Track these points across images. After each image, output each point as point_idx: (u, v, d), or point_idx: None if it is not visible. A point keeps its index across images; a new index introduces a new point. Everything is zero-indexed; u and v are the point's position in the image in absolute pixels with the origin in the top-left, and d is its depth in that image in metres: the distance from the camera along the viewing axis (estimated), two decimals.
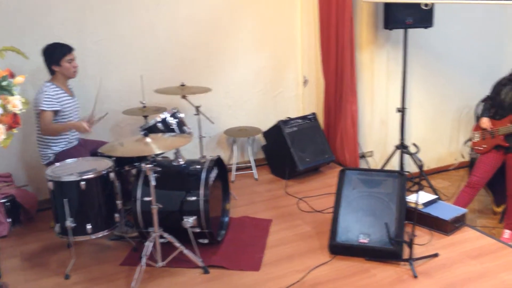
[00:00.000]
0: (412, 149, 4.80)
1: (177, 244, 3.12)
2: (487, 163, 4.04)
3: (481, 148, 4.07)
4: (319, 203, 4.13)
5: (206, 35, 4.73)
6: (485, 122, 4.01)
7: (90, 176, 3.10)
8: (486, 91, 4.28)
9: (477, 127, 4.13)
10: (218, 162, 3.56)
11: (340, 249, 3.26)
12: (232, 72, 4.93)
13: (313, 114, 4.98)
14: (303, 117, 4.91)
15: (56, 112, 3.56)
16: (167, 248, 3.12)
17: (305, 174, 4.76)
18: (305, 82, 5.23)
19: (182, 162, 3.43)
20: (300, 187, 4.53)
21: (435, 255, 3.19)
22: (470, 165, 5.14)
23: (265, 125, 4.90)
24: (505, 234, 4.12)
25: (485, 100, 4.19)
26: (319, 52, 5.02)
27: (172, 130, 3.75)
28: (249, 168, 4.87)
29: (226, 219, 3.72)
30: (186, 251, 3.12)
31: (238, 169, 4.86)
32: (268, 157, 4.98)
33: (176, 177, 3.39)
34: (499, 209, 4.49)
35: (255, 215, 3.95)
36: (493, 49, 5.37)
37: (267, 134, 4.90)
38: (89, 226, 3.12)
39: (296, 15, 5.08)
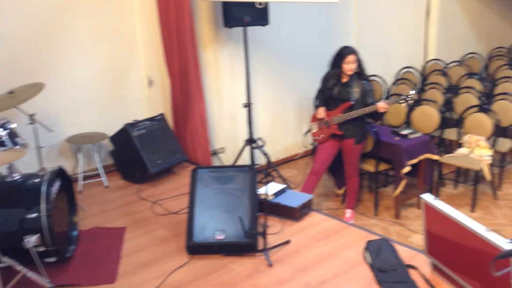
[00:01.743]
0: (260, 143, 4.99)
1: (19, 267, 2.82)
2: (326, 151, 4.36)
3: (319, 138, 4.39)
4: (174, 204, 4.08)
5: (36, 36, 4.34)
6: (321, 112, 4.32)
7: None
8: None
9: (314, 118, 4.43)
10: (60, 173, 3.32)
11: (198, 249, 3.25)
12: (70, 75, 4.60)
13: (161, 115, 4.90)
14: (151, 119, 4.80)
15: None
16: (8, 273, 2.80)
17: (158, 176, 4.66)
18: (150, 82, 5.11)
19: (17, 177, 3.11)
20: (154, 190, 4.43)
21: (287, 242, 3.36)
22: (313, 153, 5.51)
23: (112, 130, 4.68)
24: (347, 214, 4.50)
25: (318, 93, 4.52)
26: (161, 52, 4.94)
27: (2, 143, 3.36)
28: (98, 175, 4.62)
29: (75, 232, 3.48)
30: (30, 273, 2.84)
31: (85, 178, 4.58)
32: (118, 162, 4.78)
33: (12, 194, 3.08)
34: (341, 191, 4.88)
35: (107, 225, 3.77)
36: (324, 44, 5.81)
37: (114, 138, 4.69)
38: None
39: (133, 14, 4.90)
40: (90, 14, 4.61)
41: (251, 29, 4.87)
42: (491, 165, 4.67)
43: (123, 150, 4.67)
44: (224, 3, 4.61)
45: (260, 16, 4.73)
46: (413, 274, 2.84)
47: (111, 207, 4.11)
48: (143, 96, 5.12)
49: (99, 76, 4.78)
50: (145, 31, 4.97)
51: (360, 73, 4.19)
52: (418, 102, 5.45)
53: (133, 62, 4.99)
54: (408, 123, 5.35)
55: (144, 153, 4.50)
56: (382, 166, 4.64)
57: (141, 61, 5.04)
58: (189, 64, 4.71)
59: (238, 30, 4.88)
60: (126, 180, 4.68)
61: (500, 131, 5.13)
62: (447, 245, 2.56)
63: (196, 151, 4.99)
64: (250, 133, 5.04)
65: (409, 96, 4.18)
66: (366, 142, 4.43)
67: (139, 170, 4.50)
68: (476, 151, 4.67)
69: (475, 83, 6.12)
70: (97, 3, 4.64)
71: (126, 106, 5.00)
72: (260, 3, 4.47)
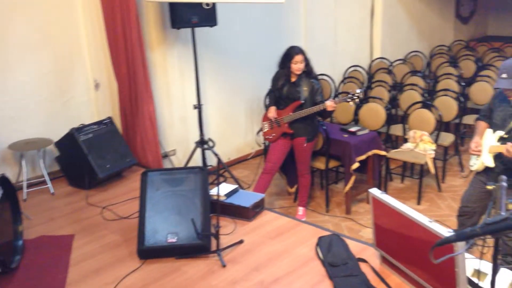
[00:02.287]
0: (211, 144, 4.98)
1: None
2: (277, 150, 4.39)
3: (271, 137, 4.42)
4: (124, 209, 3.99)
5: None
6: (272, 111, 4.35)
7: None
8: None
9: (265, 117, 4.46)
10: (2, 181, 3.19)
11: (150, 253, 3.19)
12: (8, 79, 4.39)
13: (109, 118, 4.78)
14: (99, 123, 4.67)
15: None
16: None
17: (108, 181, 4.55)
18: (97, 85, 4.98)
19: None
20: (103, 195, 4.32)
21: (240, 241, 3.35)
22: (265, 152, 5.55)
23: (57, 135, 4.52)
24: (299, 211, 4.56)
25: (269, 92, 4.55)
26: (108, 53, 4.83)
27: None
28: (43, 183, 4.45)
29: (20, 242, 3.34)
30: None
31: (30, 185, 4.41)
32: (64, 168, 4.63)
33: None
34: (293, 190, 4.93)
35: (54, 233, 3.64)
36: (273, 44, 5.84)
37: (60, 144, 4.54)
38: None
39: (77, 15, 4.74)
40: (29, 15, 4.43)
41: (199, 30, 4.85)
42: (435, 159, 4.86)
43: (69, 156, 4.52)
44: (171, 4, 4.56)
45: (208, 17, 4.71)
46: (364, 267, 2.91)
47: (58, 215, 3.97)
48: (89, 99, 4.98)
49: (42, 80, 4.61)
50: (89, 33, 4.83)
51: (308, 72, 4.26)
52: (365, 100, 5.60)
53: (78, 64, 4.84)
54: (356, 120, 5.48)
55: (92, 158, 4.38)
56: (332, 163, 4.73)
57: (86, 63, 4.90)
58: (137, 66, 4.63)
59: (186, 31, 4.84)
60: (73, 187, 4.53)
61: (443, 126, 5.34)
62: (394, 237, 2.64)
63: (146, 154, 4.91)
64: (201, 134, 5.01)
65: (356, 95, 4.28)
66: (317, 140, 4.50)
67: (87, 176, 4.37)
68: (420, 145, 4.84)
69: (418, 80, 6.35)
70: (38, 3, 4.47)
71: (72, 110, 4.85)
72: (207, 4, 4.46)
